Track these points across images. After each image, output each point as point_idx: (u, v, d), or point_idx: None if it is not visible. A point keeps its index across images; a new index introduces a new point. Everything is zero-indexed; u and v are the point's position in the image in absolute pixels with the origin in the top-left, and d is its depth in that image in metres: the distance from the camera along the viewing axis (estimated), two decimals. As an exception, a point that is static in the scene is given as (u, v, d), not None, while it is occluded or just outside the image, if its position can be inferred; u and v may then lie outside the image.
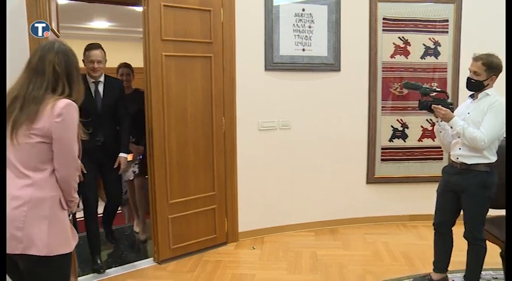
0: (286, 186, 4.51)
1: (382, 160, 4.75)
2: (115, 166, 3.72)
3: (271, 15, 4.22)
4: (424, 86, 3.15)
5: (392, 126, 4.73)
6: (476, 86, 3.01)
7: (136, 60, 4.12)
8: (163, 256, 3.81)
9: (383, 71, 4.64)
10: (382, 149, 4.74)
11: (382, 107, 4.69)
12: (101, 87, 3.66)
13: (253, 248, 4.18)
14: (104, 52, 3.65)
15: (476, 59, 2.98)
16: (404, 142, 4.76)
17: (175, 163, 3.79)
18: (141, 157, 4.36)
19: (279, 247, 4.19)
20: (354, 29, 4.51)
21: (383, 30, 4.58)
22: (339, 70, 4.52)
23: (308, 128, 4.50)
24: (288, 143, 4.46)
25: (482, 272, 3.16)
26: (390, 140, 4.75)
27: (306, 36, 4.37)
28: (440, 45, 4.67)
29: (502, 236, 3.09)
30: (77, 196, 2.05)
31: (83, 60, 3.53)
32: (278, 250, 4.12)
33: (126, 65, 4.44)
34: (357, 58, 4.57)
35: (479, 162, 2.98)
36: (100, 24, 7.00)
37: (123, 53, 4.63)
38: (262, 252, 4.09)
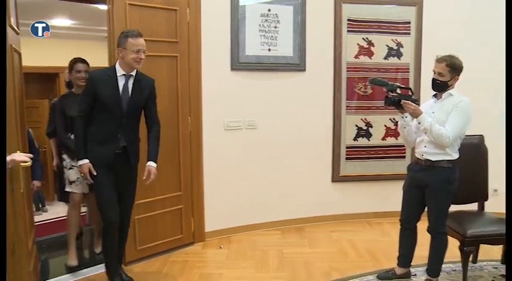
0: (253, 185, 4.53)
1: (347, 158, 4.83)
2: (144, 177, 3.23)
3: (237, 15, 4.23)
4: (390, 82, 3.23)
5: (356, 125, 4.81)
6: (441, 87, 3.11)
7: (100, 60, 4.02)
8: (130, 257, 3.76)
9: (347, 71, 4.72)
10: (347, 148, 4.82)
11: (347, 106, 4.77)
12: (130, 83, 3.13)
13: (220, 247, 4.17)
14: None
15: (439, 60, 3.09)
16: (369, 140, 4.86)
17: (140, 163, 3.74)
18: None
19: (246, 246, 4.20)
20: (319, 30, 4.57)
21: (347, 31, 4.66)
22: (304, 70, 4.57)
23: (274, 127, 4.53)
24: (254, 143, 4.48)
25: (442, 265, 3.28)
26: (355, 139, 4.83)
27: (272, 36, 4.40)
28: (402, 47, 4.79)
29: (461, 230, 3.23)
30: None
31: (120, 48, 3.06)
32: (245, 249, 4.13)
33: (83, 60, 3.83)
34: (322, 58, 4.63)
35: (443, 159, 3.10)
36: (62, 21, 6.83)
37: (86, 52, 4.51)
38: (229, 251, 4.09)
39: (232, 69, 4.29)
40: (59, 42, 6.96)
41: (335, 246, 4.22)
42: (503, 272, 3.56)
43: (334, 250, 4.13)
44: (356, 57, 4.72)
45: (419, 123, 3.10)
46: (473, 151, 3.57)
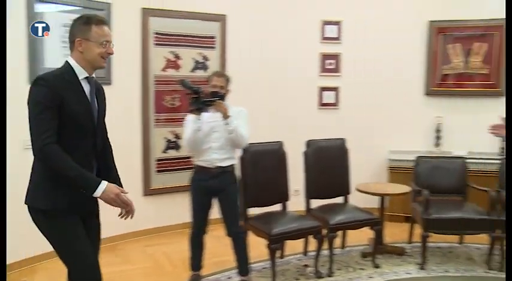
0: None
1: (157, 171, 4.86)
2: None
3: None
4: (195, 87, 3.39)
5: (165, 138, 4.88)
6: (223, 98, 3.42)
7: None
8: None
9: (155, 84, 4.75)
10: (157, 160, 4.86)
11: (156, 119, 4.80)
12: (93, 88, 2.35)
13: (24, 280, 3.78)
14: None
15: (219, 75, 3.51)
16: (178, 152, 4.96)
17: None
18: None
19: (53, 274, 3.85)
20: (126, 43, 4.47)
21: (155, 44, 4.70)
22: (111, 84, 4.43)
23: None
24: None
25: (252, 264, 3.61)
26: (164, 152, 4.89)
27: (76, 47, 4.14)
28: (208, 60, 5.04)
29: (267, 230, 3.57)
30: None
31: (80, 39, 2.24)
32: (53, 278, 3.80)
33: None
34: (129, 71, 4.58)
35: (231, 163, 3.48)
36: None
37: None
38: (35, 283, 3.74)
39: (31, 83, 3.90)
40: None
41: (150, 260, 4.24)
42: (306, 262, 4.09)
43: (149, 265, 4.15)
44: (164, 70, 4.79)
45: (227, 124, 3.32)
46: (274, 156, 3.97)
